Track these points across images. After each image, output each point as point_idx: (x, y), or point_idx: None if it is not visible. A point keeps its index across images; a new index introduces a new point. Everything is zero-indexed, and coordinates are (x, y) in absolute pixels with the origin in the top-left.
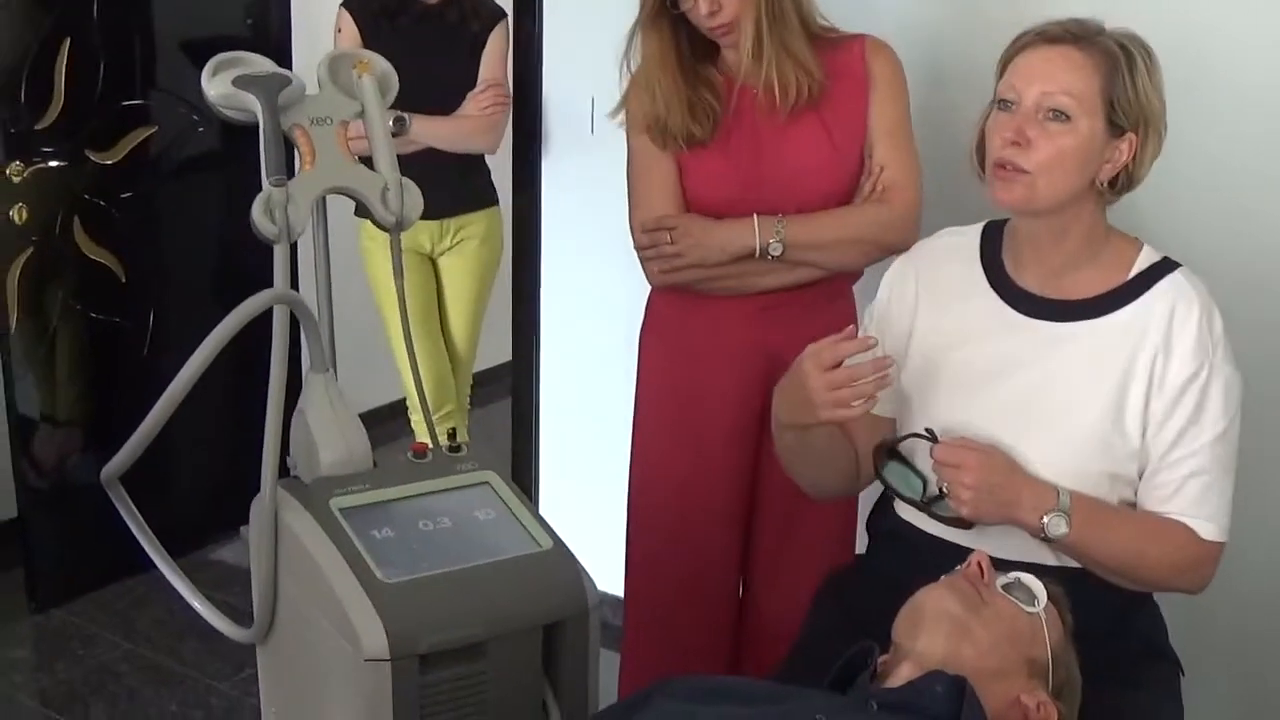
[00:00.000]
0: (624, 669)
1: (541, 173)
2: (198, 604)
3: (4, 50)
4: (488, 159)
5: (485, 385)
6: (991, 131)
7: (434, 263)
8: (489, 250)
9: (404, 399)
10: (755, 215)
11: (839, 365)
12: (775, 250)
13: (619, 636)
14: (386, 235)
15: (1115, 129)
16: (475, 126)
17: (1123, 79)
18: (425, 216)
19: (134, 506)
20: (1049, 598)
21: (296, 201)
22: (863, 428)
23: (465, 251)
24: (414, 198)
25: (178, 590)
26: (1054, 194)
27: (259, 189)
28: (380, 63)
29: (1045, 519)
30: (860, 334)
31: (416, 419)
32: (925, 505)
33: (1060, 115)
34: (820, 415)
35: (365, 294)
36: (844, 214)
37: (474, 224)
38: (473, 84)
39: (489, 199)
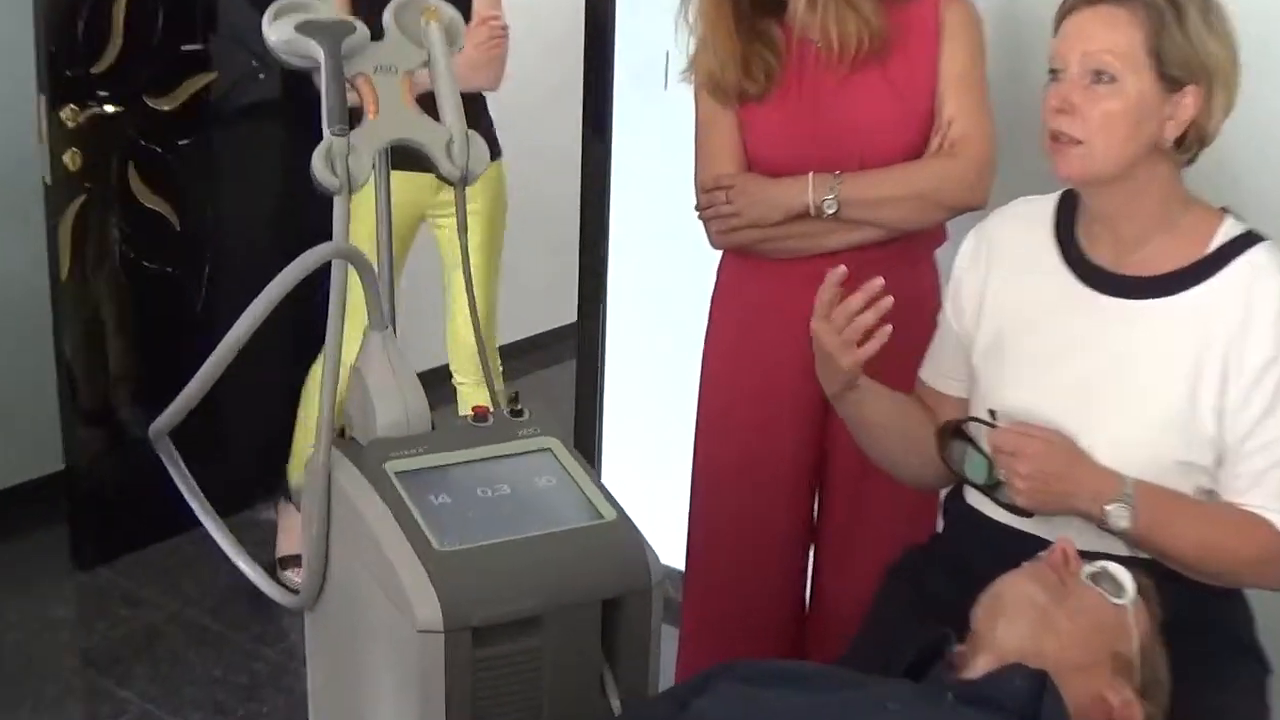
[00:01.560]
0: (683, 649)
1: (613, 121)
2: (245, 566)
3: None
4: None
5: (547, 347)
6: (1044, 103)
7: (432, 224)
8: (494, 209)
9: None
10: (811, 173)
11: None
12: (830, 208)
13: (682, 610)
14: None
15: (1170, 83)
16: (472, 62)
17: (1170, 30)
18: (417, 168)
19: (183, 463)
20: (1138, 590)
21: (358, 152)
22: (946, 409)
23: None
24: (480, 150)
25: (225, 551)
26: (1111, 160)
27: (320, 139)
28: (448, 10)
29: (1108, 509)
30: (943, 311)
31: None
32: (989, 490)
33: (1105, 76)
34: (843, 364)
35: (421, 252)
36: (905, 169)
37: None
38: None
39: (491, 150)
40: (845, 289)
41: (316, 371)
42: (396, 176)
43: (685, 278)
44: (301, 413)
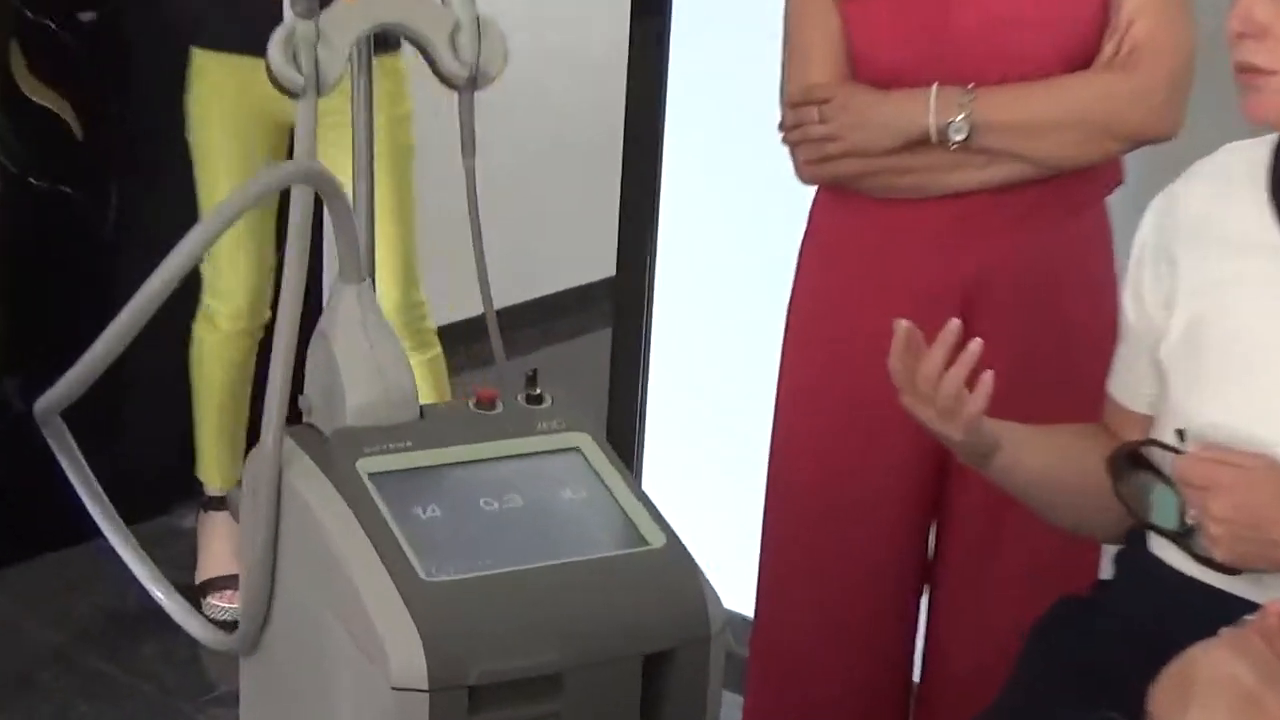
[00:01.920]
0: None
1: (671, 12)
2: (158, 591)
3: None
4: None
5: (573, 313)
6: (1227, 24)
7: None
8: (396, 116)
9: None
10: (935, 85)
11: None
12: (959, 133)
13: (747, 673)
14: (236, 64)
15: None
16: None
17: None
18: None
19: (78, 453)
20: None
21: (330, 41)
22: (1134, 432)
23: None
24: (495, 43)
25: (131, 570)
26: None
27: (278, 20)
28: None
29: None
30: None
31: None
32: (1180, 536)
33: None
34: (955, 436)
35: (425, 175)
36: (1063, 84)
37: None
38: None
39: (387, 41)
40: (992, 245)
41: (202, 336)
42: (242, 64)
43: (763, 221)
44: (196, 397)
